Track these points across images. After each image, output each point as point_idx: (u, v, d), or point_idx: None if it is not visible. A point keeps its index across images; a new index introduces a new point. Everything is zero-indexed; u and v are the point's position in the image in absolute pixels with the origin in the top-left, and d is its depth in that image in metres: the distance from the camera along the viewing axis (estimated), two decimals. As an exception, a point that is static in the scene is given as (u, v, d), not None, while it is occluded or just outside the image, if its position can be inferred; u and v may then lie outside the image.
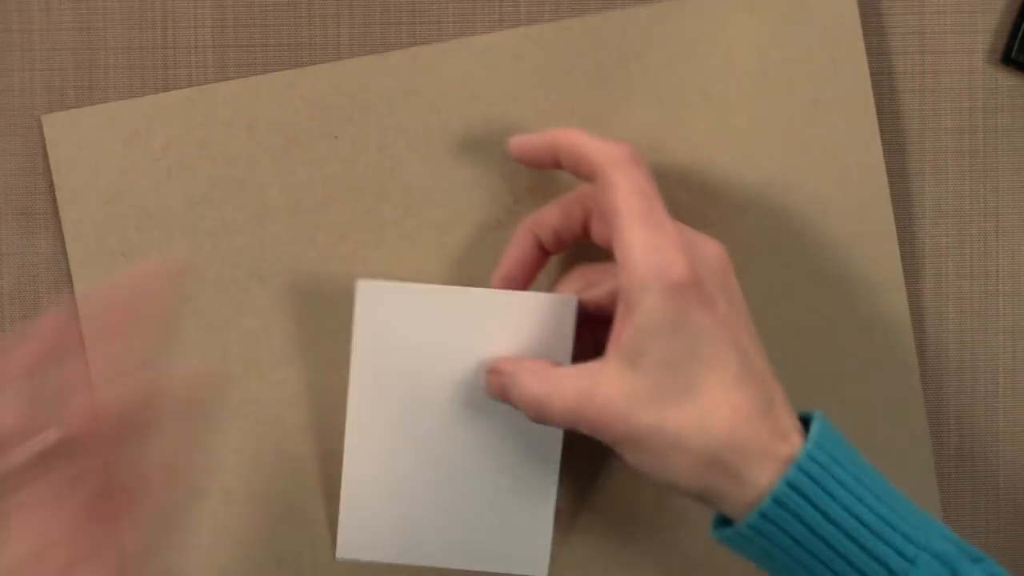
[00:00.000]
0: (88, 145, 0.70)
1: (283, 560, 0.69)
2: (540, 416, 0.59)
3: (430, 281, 0.67)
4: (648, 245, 0.56)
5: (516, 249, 0.64)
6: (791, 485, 0.55)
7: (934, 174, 0.70)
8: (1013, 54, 0.69)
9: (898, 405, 0.69)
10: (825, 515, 0.55)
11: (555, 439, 0.63)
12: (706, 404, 0.56)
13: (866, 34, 0.69)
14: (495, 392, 0.61)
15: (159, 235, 0.70)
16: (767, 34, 0.69)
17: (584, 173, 0.60)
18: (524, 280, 0.64)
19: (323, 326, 0.69)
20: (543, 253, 0.65)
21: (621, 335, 0.57)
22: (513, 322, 0.61)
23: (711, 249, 0.59)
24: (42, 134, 0.71)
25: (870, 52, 0.69)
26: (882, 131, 0.69)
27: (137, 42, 0.71)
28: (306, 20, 0.71)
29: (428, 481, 0.62)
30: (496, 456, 0.62)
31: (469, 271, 0.69)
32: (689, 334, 0.56)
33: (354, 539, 0.63)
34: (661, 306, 0.56)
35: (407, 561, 0.62)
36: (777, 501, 0.55)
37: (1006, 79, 0.70)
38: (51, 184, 0.71)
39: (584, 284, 0.63)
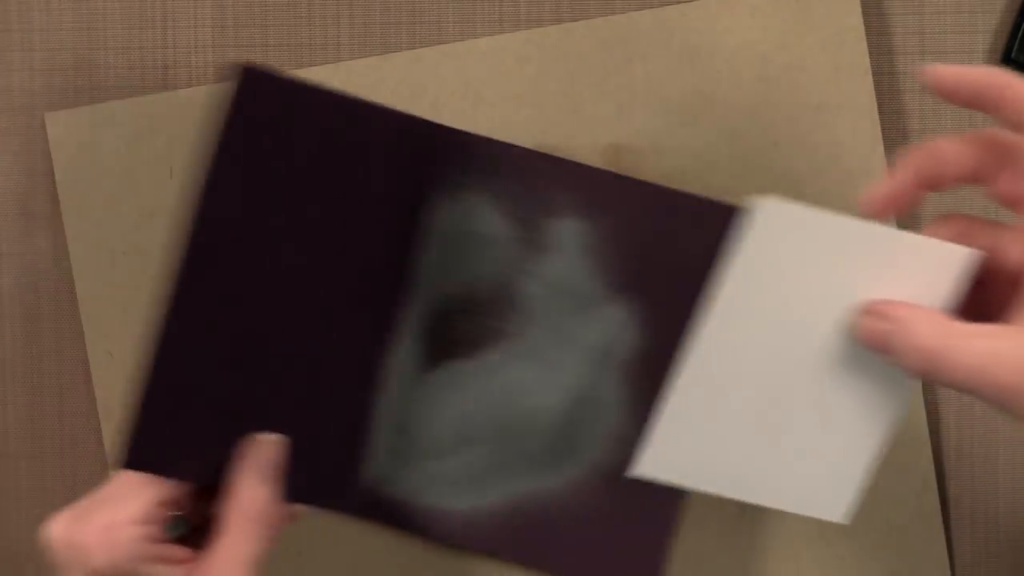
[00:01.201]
0: (91, 144, 0.70)
1: (300, 554, 0.69)
2: (931, 371, 0.52)
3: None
4: None
5: (893, 180, 0.56)
6: None
7: (934, 174, 0.70)
8: (1013, 54, 0.69)
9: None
10: None
11: (902, 390, 0.58)
12: None
13: (867, 34, 0.69)
14: (870, 336, 0.55)
15: (160, 235, 0.70)
16: (771, 39, 0.69)
17: (1014, 122, 0.54)
18: (887, 215, 0.57)
19: (324, 326, 0.69)
20: (917, 189, 0.57)
21: None
22: (902, 266, 0.55)
23: None
24: (43, 134, 0.71)
25: (871, 52, 0.69)
26: (882, 132, 0.69)
27: (137, 42, 0.71)
28: (306, 20, 0.71)
29: (756, 415, 0.57)
30: (831, 399, 0.57)
31: (470, 271, 0.69)
32: None
33: (658, 458, 0.59)
34: None
35: (703, 488, 0.59)
36: None
37: (1006, 79, 0.70)
38: (52, 184, 0.71)
39: (956, 234, 0.57)
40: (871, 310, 0.55)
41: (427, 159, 0.65)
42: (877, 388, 0.57)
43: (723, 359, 0.56)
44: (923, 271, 0.55)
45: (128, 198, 0.70)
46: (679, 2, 0.69)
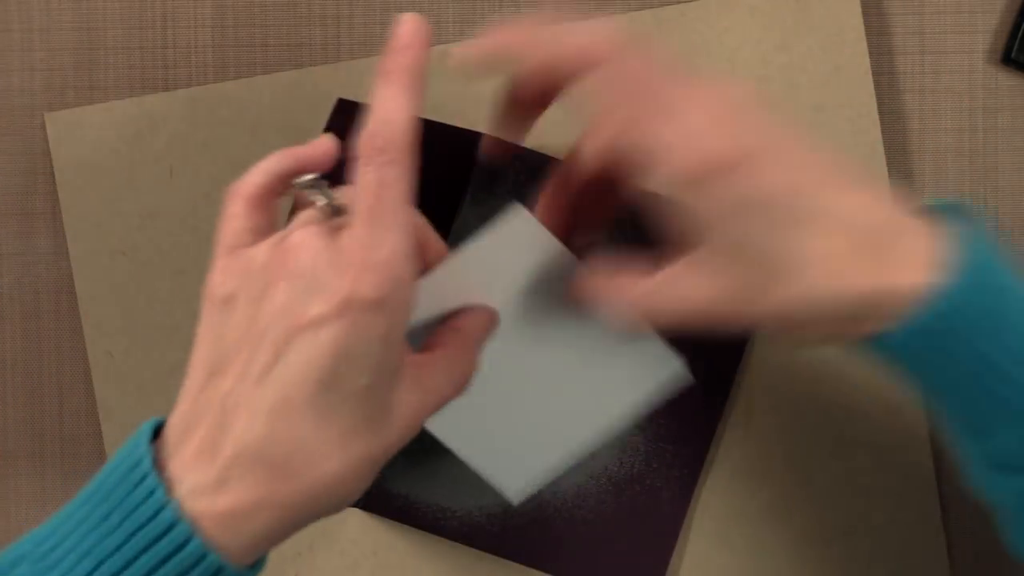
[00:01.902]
0: (91, 144, 0.70)
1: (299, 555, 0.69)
2: (647, 318, 0.55)
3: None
4: (676, 135, 0.51)
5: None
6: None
7: (934, 174, 0.70)
8: (1013, 54, 0.69)
9: (898, 407, 0.69)
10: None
11: (614, 402, 0.61)
12: (843, 203, 0.51)
13: (867, 34, 0.69)
14: (586, 295, 0.56)
15: (161, 235, 0.70)
16: (771, 40, 0.69)
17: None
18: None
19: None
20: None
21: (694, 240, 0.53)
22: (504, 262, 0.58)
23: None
24: (43, 134, 0.71)
25: (871, 52, 0.69)
26: (882, 132, 0.69)
27: (137, 42, 0.71)
28: (306, 20, 0.71)
29: (500, 396, 0.60)
30: (549, 396, 0.61)
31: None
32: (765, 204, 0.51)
33: (439, 417, 0.62)
34: (717, 198, 0.51)
35: (449, 443, 0.61)
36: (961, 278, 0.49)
37: (1006, 79, 0.70)
38: (52, 184, 0.71)
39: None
40: (577, 285, 0.56)
41: (466, 167, 0.67)
42: (594, 398, 0.61)
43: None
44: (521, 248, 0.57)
45: (128, 198, 0.70)
46: (679, 2, 0.69)
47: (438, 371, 0.53)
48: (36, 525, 0.50)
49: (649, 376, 0.60)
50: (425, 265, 0.55)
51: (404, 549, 0.70)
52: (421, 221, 0.54)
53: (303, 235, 0.50)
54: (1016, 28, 0.69)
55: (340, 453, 0.49)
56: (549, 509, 0.69)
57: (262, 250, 0.51)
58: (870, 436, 0.68)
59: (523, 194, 0.68)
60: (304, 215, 0.52)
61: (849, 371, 0.69)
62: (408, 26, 0.52)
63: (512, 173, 0.68)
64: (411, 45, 0.52)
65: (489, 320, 0.56)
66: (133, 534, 0.47)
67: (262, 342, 0.49)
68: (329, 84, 0.70)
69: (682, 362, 0.60)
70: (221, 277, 0.51)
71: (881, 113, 0.69)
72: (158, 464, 0.48)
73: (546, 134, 0.70)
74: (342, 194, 0.52)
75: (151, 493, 0.47)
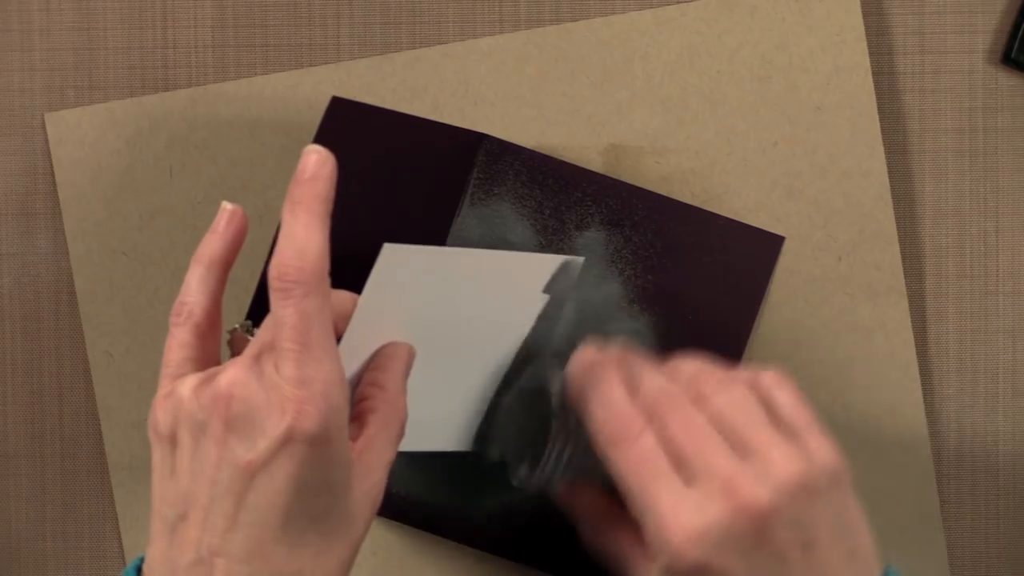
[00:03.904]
0: (91, 144, 0.70)
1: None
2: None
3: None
4: (648, 521, 0.53)
5: None
6: None
7: (934, 174, 0.70)
8: (1013, 54, 0.69)
9: (898, 407, 0.69)
10: None
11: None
12: None
13: (867, 34, 0.69)
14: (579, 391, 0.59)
15: (161, 235, 0.70)
16: (771, 40, 0.69)
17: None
18: None
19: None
20: None
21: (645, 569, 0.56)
22: (505, 278, 0.61)
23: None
24: (43, 134, 0.71)
25: (871, 52, 0.69)
26: (882, 132, 0.69)
27: (137, 42, 0.71)
28: (306, 20, 0.71)
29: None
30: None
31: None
32: None
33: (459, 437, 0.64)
34: None
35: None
36: None
37: (1006, 79, 0.70)
38: (52, 184, 0.71)
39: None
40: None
41: (466, 167, 0.67)
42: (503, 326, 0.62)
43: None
44: (522, 279, 0.61)
45: (128, 198, 0.70)
46: (679, 2, 0.69)
47: (378, 444, 0.55)
48: (36, 525, 0.50)
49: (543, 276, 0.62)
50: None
51: (404, 549, 0.70)
52: (332, 293, 0.54)
53: (233, 375, 0.51)
54: (1016, 28, 0.69)
55: (318, 570, 0.52)
56: (549, 509, 0.69)
57: (188, 386, 0.53)
58: (870, 436, 0.68)
59: (523, 194, 0.68)
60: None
61: (849, 371, 0.69)
62: (314, 157, 0.53)
63: (512, 173, 0.68)
64: (318, 176, 0.53)
65: (407, 356, 0.58)
66: None
67: (217, 489, 0.51)
68: (329, 84, 0.70)
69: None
70: (160, 414, 0.53)
71: (880, 113, 0.69)
72: None
73: (546, 134, 0.70)
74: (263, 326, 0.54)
75: None
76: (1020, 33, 0.68)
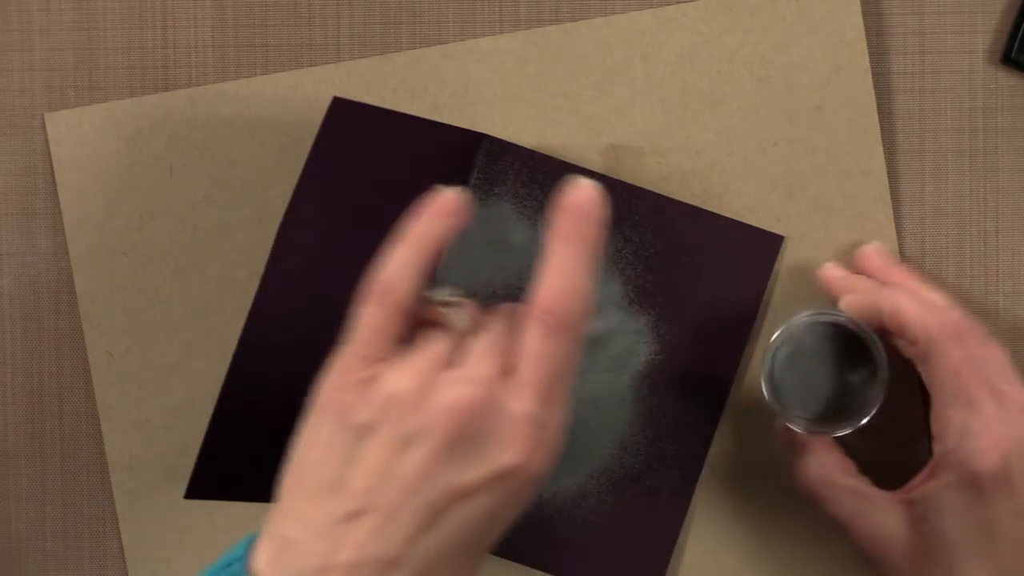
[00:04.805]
0: (91, 144, 0.70)
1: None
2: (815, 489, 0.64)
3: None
4: (957, 429, 0.58)
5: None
6: None
7: (934, 174, 0.70)
8: (1013, 54, 0.69)
9: (898, 406, 0.69)
10: None
11: None
12: None
13: (867, 34, 0.69)
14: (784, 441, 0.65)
15: (161, 235, 0.70)
16: (771, 40, 0.69)
17: (908, 340, 0.61)
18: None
19: (324, 326, 0.69)
20: None
21: (920, 488, 0.60)
22: None
23: None
24: (43, 134, 0.71)
25: (871, 52, 0.69)
26: (882, 132, 0.69)
27: (137, 42, 0.71)
28: (306, 20, 0.71)
29: None
30: None
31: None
32: (976, 525, 0.58)
33: None
34: (957, 491, 0.58)
35: None
36: None
37: (1006, 79, 0.70)
38: (52, 184, 0.71)
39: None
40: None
41: (466, 168, 0.67)
42: None
43: None
44: None
45: (128, 198, 0.70)
46: (679, 2, 0.69)
47: None
48: (36, 525, 0.50)
49: None
50: None
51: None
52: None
53: (459, 389, 0.49)
54: (1016, 28, 0.69)
55: None
56: (549, 509, 0.69)
57: (405, 383, 0.50)
58: (870, 436, 0.68)
59: (523, 194, 0.68)
60: (436, 345, 0.52)
61: (849, 371, 0.69)
62: (584, 193, 0.52)
63: (512, 173, 0.68)
64: (591, 219, 0.51)
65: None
66: None
67: (414, 501, 0.49)
68: (329, 84, 0.70)
69: None
70: (359, 400, 0.50)
71: (880, 113, 0.69)
72: None
73: (546, 134, 0.70)
74: (470, 315, 0.53)
75: None
76: (1020, 33, 0.68)
